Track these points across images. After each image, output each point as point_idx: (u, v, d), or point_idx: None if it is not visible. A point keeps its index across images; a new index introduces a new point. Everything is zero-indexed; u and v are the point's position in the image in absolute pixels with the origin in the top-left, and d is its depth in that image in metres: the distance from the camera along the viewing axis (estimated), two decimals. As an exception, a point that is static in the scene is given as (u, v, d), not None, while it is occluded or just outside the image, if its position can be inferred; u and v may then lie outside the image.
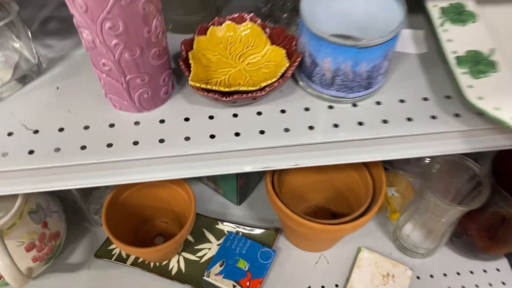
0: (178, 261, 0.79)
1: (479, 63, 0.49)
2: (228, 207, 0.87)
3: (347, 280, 0.78)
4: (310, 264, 0.80)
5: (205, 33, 0.54)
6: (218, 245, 0.81)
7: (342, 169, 0.77)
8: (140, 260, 0.79)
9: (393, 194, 0.87)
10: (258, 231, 0.83)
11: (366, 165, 0.74)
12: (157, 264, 0.79)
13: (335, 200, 0.82)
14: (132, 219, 0.79)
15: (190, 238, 0.82)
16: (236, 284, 0.75)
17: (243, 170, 0.47)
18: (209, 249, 0.81)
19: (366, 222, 0.67)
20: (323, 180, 0.81)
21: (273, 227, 0.83)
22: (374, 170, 0.73)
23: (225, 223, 0.84)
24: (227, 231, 0.83)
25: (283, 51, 0.52)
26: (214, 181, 0.85)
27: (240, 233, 0.83)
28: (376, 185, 0.72)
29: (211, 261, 0.78)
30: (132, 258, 0.79)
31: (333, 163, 0.49)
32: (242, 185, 0.82)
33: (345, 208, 0.68)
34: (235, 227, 0.83)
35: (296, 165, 0.48)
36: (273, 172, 0.73)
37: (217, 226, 0.84)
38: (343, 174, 0.78)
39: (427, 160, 0.87)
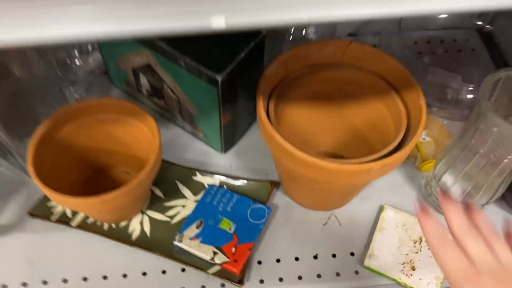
0: (141, 223, 0.60)
1: None
2: (210, 155, 0.67)
3: (366, 247, 0.59)
4: (316, 226, 0.61)
5: None
6: (195, 201, 0.61)
7: (363, 99, 0.57)
8: (90, 220, 0.59)
9: (424, 139, 0.67)
10: (248, 184, 0.63)
11: (396, 90, 0.54)
12: (113, 226, 0.59)
13: (350, 145, 0.62)
14: (79, 168, 0.59)
15: (158, 192, 0.62)
16: (217, 251, 0.56)
17: (210, 28, 0.27)
18: (184, 206, 0.61)
19: (400, 160, 0.48)
20: (336, 118, 0.61)
21: (268, 180, 0.63)
22: (407, 96, 0.53)
23: (204, 175, 0.64)
24: (208, 184, 0.63)
25: None
26: (190, 120, 0.65)
27: (225, 185, 0.63)
28: (411, 114, 0.52)
29: (185, 221, 0.58)
30: (79, 218, 0.59)
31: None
32: (228, 125, 0.62)
33: (363, 153, 0.49)
34: (217, 179, 0.64)
35: (308, 20, 0.27)
36: (268, 98, 0.52)
37: (194, 177, 0.64)
38: (363, 107, 0.58)
39: (470, 97, 0.68)
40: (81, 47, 0.73)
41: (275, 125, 0.49)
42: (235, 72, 0.54)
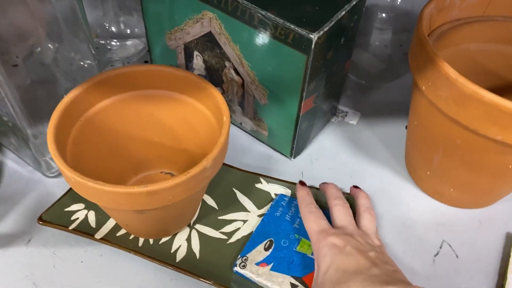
0: (188, 239, 0.44)
1: None
2: (274, 162, 0.52)
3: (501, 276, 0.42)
4: (425, 256, 0.45)
5: None
6: (260, 216, 0.46)
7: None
8: (121, 233, 0.44)
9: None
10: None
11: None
12: (150, 242, 0.43)
13: None
14: (109, 160, 0.44)
15: (211, 202, 0.47)
16: (296, 283, 0.40)
17: None
18: (244, 221, 0.46)
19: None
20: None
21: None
22: None
23: (272, 182, 0.49)
24: (275, 194, 0.48)
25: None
26: (254, 113, 0.51)
27: (291, 194, 0.48)
28: None
29: (249, 241, 0.43)
30: (105, 228, 0.44)
31: None
32: (306, 116, 0.47)
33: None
34: (289, 188, 0.48)
35: None
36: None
37: (258, 185, 0.48)
38: None
39: None
40: (120, 31, 0.61)
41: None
42: (330, 36, 0.40)
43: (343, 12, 0.40)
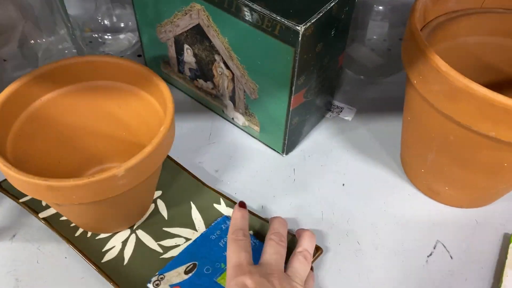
0: (124, 242, 0.43)
1: None
2: (266, 157, 0.51)
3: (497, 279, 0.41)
4: (420, 259, 0.43)
5: None
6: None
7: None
8: (64, 218, 0.43)
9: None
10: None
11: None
12: (88, 234, 0.43)
13: None
14: (59, 154, 0.43)
15: (163, 210, 0.45)
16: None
17: None
18: (187, 239, 0.43)
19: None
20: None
21: (316, 244, 0.41)
22: None
23: (229, 206, 0.45)
24: (226, 215, 0.45)
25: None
26: (245, 108, 0.50)
27: (251, 231, 0.43)
28: None
29: (174, 259, 0.41)
30: (52, 211, 0.44)
31: None
32: (297, 111, 0.46)
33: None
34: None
35: None
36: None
37: (216, 206, 0.45)
38: None
39: None
40: (114, 24, 0.61)
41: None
42: (319, 28, 0.39)
43: (333, 3, 0.39)
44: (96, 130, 0.44)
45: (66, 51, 0.54)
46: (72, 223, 0.43)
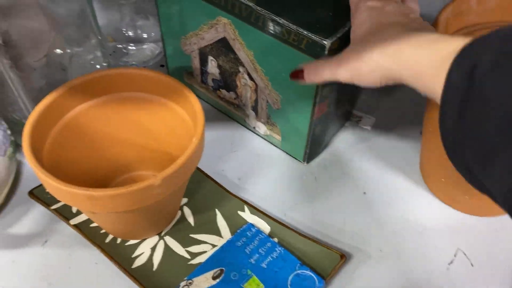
0: (153, 248, 0.44)
1: None
2: (286, 166, 0.52)
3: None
4: (440, 266, 0.44)
5: None
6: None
7: None
8: (94, 224, 0.45)
9: None
10: (307, 243, 0.44)
11: None
12: (117, 241, 0.44)
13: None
14: (91, 163, 0.45)
15: (189, 217, 0.46)
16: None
17: None
18: (214, 246, 0.44)
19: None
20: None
21: (339, 251, 0.43)
22: None
23: (254, 214, 0.46)
24: (250, 222, 0.46)
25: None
26: (267, 118, 0.51)
27: (275, 238, 0.45)
28: None
29: (201, 265, 0.42)
30: (83, 217, 0.45)
31: None
32: (320, 121, 0.47)
33: None
34: (268, 226, 0.45)
35: None
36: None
37: (240, 213, 0.47)
38: None
39: None
40: (137, 35, 0.62)
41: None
42: (343, 41, 0.40)
43: None
44: (125, 140, 0.46)
45: (92, 62, 0.56)
46: (102, 229, 0.44)
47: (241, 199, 0.47)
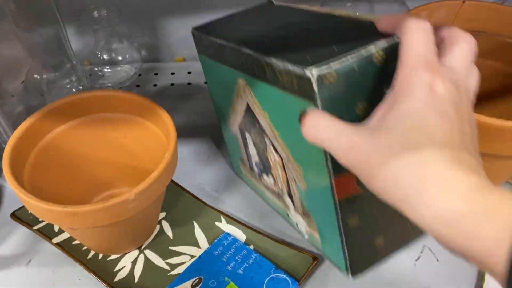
0: (134, 261, 0.46)
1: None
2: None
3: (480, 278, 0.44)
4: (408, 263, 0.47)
5: None
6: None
7: None
8: (76, 242, 0.47)
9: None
10: (280, 248, 0.46)
11: None
12: (99, 256, 0.46)
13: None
14: (71, 182, 0.47)
15: (168, 230, 0.49)
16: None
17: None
18: (193, 256, 0.46)
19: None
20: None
21: (311, 253, 0.45)
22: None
23: (230, 223, 0.49)
24: (227, 231, 0.48)
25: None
26: (302, 208, 0.41)
27: (252, 245, 0.47)
28: None
29: (180, 275, 0.44)
30: (65, 235, 0.47)
31: None
32: (353, 206, 0.33)
33: None
34: (244, 234, 0.48)
35: None
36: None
37: (217, 223, 0.49)
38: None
39: None
40: (112, 58, 0.64)
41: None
42: (352, 77, 0.27)
43: (374, 49, 0.28)
44: (103, 159, 0.48)
45: (69, 86, 0.58)
46: (84, 246, 0.46)
47: (217, 210, 0.50)
